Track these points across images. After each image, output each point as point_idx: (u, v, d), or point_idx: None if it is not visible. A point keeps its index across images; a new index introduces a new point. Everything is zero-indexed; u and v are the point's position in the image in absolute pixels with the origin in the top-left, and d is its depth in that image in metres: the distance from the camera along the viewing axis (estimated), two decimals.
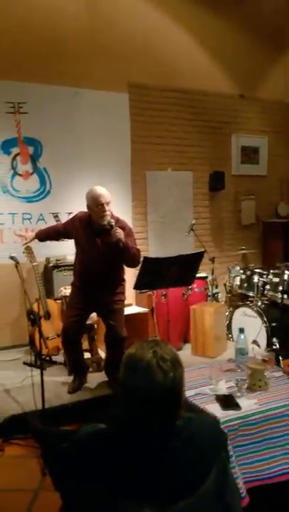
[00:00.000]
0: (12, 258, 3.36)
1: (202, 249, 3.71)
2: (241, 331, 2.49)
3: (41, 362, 3.12)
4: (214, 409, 2.07)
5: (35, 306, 4.22)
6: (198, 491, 1.31)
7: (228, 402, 2.14)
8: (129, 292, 3.93)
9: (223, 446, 1.43)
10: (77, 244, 3.63)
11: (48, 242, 5.06)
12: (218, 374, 2.29)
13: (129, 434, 1.33)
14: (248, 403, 2.15)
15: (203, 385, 2.31)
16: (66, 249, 5.17)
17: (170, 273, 3.33)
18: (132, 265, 3.50)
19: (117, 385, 1.37)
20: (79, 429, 1.46)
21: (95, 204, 3.31)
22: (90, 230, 3.46)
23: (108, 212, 3.31)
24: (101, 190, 3.35)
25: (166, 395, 1.29)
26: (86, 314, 3.72)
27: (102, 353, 4.40)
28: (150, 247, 5.74)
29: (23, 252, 4.34)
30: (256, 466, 2.04)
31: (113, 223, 3.28)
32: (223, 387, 2.26)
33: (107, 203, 3.31)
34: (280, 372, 2.58)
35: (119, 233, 3.24)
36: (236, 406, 2.11)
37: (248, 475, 2.01)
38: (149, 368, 1.29)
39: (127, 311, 4.07)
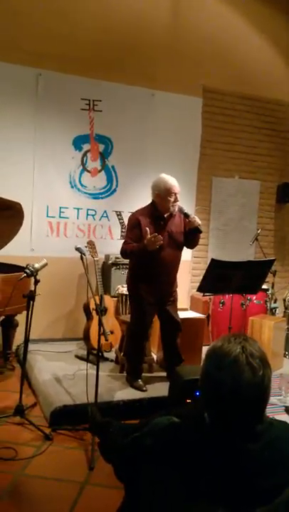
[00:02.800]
0: (78, 249, 3.36)
1: (273, 258, 3.59)
2: None
3: (98, 352, 3.09)
4: (283, 420, 1.96)
5: (92, 301, 4.23)
6: (275, 500, 1.22)
7: None
8: (184, 296, 3.86)
9: None
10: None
11: (107, 238, 5.16)
12: (287, 385, 2.17)
13: (208, 432, 1.26)
14: None
15: (271, 395, 2.20)
16: None
17: (236, 279, 3.23)
18: (194, 247, 3.69)
19: (200, 378, 1.30)
20: (150, 420, 1.40)
21: (168, 193, 3.35)
22: (158, 220, 3.47)
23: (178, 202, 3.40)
24: (173, 180, 3.40)
25: (253, 393, 1.20)
26: (154, 311, 3.70)
27: (154, 355, 4.35)
28: (209, 254, 5.63)
29: (86, 246, 4.37)
30: None
31: (186, 210, 3.41)
32: None
33: (178, 193, 3.40)
34: None
35: (197, 218, 3.40)
36: None
37: None
38: (236, 363, 1.21)
39: (182, 315, 3.98)
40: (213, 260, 3.18)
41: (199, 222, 3.45)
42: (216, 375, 1.23)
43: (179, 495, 1.20)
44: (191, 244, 3.64)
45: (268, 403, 1.26)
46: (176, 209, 3.42)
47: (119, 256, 4.98)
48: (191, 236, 3.53)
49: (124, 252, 3.58)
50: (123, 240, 3.64)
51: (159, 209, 3.46)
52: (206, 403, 1.27)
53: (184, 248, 3.69)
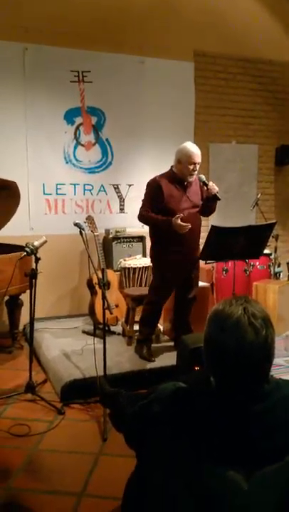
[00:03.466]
0: (76, 225, 3.32)
1: (274, 221, 3.55)
2: None
3: (104, 325, 3.09)
4: None
5: (94, 276, 4.22)
6: (284, 458, 1.22)
7: None
8: None
9: None
10: (168, 207, 3.50)
11: (106, 212, 5.12)
12: None
13: (215, 395, 1.25)
14: None
15: (276, 356, 2.20)
16: (125, 222, 5.16)
17: (238, 245, 3.20)
18: (209, 215, 3.77)
19: (203, 343, 1.28)
20: (157, 387, 1.40)
21: (189, 162, 3.40)
22: (179, 184, 3.51)
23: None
24: (196, 149, 3.45)
25: (257, 354, 1.19)
26: (178, 279, 3.71)
27: (160, 325, 4.36)
28: (210, 222, 5.58)
29: (85, 222, 4.33)
30: None
31: (204, 179, 3.49)
32: None
33: (199, 163, 3.45)
34: None
35: (215, 186, 3.48)
36: None
37: None
38: (239, 324, 1.20)
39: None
40: (213, 227, 3.14)
41: (217, 189, 3.51)
42: (219, 338, 1.22)
43: (189, 458, 1.20)
44: (208, 212, 3.70)
45: (272, 363, 1.25)
46: (194, 178, 3.49)
47: (120, 230, 5.03)
48: (209, 203, 3.59)
49: (143, 219, 3.59)
50: (142, 203, 3.61)
51: (178, 175, 3.49)
52: (211, 367, 1.26)
53: None
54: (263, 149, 5.82)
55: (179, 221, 3.28)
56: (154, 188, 3.52)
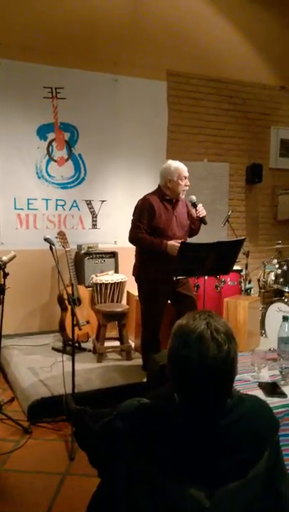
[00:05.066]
0: (46, 240, 3.29)
1: (243, 237, 3.60)
2: (285, 319, 2.37)
3: (72, 342, 3.05)
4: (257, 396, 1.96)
5: (64, 292, 4.18)
6: (247, 474, 1.22)
7: (272, 389, 2.03)
8: None
9: (275, 429, 1.33)
10: (157, 227, 3.50)
11: (78, 228, 5.10)
12: (260, 361, 2.18)
13: (178, 409, 1.24)
14: None
15: (243, 372, 2.21)
16: (97, 238, 5.15)
17: (208, 261, 3.22)
18: (194, 235, 3.80)
19: (167, 357, 1.28)
20: (122, 404, 1.38)
21: (180, 177, 3.45)
22: (169, 205, 3.53)
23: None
24: (183, 165, 3.52)
25: (219, 368, 1.19)
26: (168, 297, 3.67)
27: (131, 342, 4.34)
28: None
29: (56, 237, 4.31)
30: None
31: (195, 199, 3.57)
32: (265, 375, 2.15)
33: (187, 177, 3.51)
34: None
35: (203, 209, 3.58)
36: (281, 394, 2.00)
37: None
38: (202, 339, 1.19)
39: None
40: (183, 243, 3.16)
41: (205, 213, 3.60)
42: (182, 352, 1.21)
43: (151, 475, 1.18)
44: (193, 233, 3.76)
45: (235, 377, 1.25)
46: (183, 197, 3.55)
47: (92, 245, 5.01)
48: (195, 226, 3.67)
49: (136, 240, 3.53)
50: (132, 224, 3.57)
51: (168, 194, 3.51)
52: (174, 381, 1.25)
53: None
54: (234, 168, 5.92)
55: (176, 243, 3.30)
56: (146, 208, 3.49)
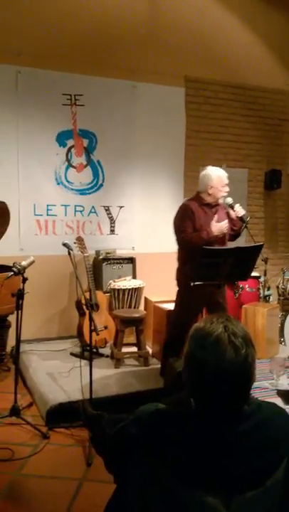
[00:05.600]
0: (65, 245, 3.32)
1: (261, 243, 3.56)
2: None
3: (90, 347, 3.05)
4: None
5: (83, 298, 4.19)
6: (266, 482, 1.19)
7: None
8: (170, 287, 3.76)
9: None
10: (197, 232, 3.49)
11: (96, 234, 5.12)
12: (279, 369, 2.15)
13: (194, 415, 1.23)
14: None
15: (262, 379, 2.18)
16: (115, 244, 5.17)
17: (226, 266, 3.19)
18: (236, 238, 3.81)
19: (183, 360, 1.27)
20: (138, 409, 1.37)
21: (221, 184, 3.50)
22: (208, 210, 3.54)
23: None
24: (223, 171, 3.58)
25: (236, 372, 1.17)
26: (204, 303, 3.63)
27: (149, 348, 4.32)
28: None
29: (74, 243, 4.33)
30: None
31: (232, 201, 3.58)
32: (284, 383, 2.12)
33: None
34: None
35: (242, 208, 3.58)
36: None
37: None
38: (219, 342, 1.18)
39: (172, 307, 3.92)
40: (203, 249, 3.13)
41: (244, 212, 3.62)
42: (199, 356, 1.20)
43: (166, 481, 1.17)
44: (235, 236, 3.76)
45: (253, 383, 1.23)
46: (225, 200, 3.58)
47: (110, 251, 5.02)
48: (237, 226, 3.68)
49: (184, 243, 3.50)
50: (176, 231, 3.56)
51: (207, 200, 3.55)
52: (190, 386, 1.24)
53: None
54: (252, 173, 5.89)
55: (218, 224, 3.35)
56: (187, 212, 3.51)
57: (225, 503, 1.16)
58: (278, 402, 1.97)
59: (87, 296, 3.17)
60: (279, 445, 1.23)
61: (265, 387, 2.11)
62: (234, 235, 3.75)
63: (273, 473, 1.20)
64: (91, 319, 2.98)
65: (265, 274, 5.09)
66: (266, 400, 1.99)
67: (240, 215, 3.58)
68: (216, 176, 3.52)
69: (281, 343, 4.68)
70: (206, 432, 1.19)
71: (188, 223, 3.48)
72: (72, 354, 4.37)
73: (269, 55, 5.85)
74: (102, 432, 1.63)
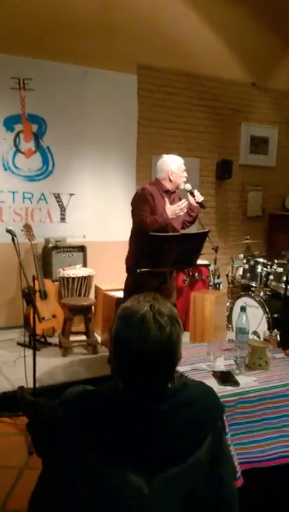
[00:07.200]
0: (9, 231, 3.23)
1: (207, 230, 3.60)
2: (243, 309, 2.38)
3: (34, 335, 3.00)
4: (210, 384, 1.95)
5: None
6: (188, 459, 1.20)
7: (225, 378, 2.02)
8: (121, 276, 3.73)
9: (219, 415, 1.31)
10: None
11: (46, 221, 5.03)
12: (216, 351, 2.18)
13: (119, 394, 1.22)
14: (246, 380, 2.04)
15: (199, 361, 2.20)
16: (66, 232, 5.09)
17: (172, 252, 3.20)
18: (192, 224, 3.81)
19: (111, 339, 1.25)
20: (65, 391, 1.35)
21: (181, 169, 3.50)
22: (167, 197, 3.49)
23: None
24: (180, 158, 3.58)
25: (160, 350, 1.17)
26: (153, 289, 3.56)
27: (98, 336, 4.31)
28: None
29: (22, 230, 4.24)
30: (252, 447, 1.93)
31: (191, 188, 3.57)
32: (221, 364, 2.15)
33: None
34: (282, 354, 2.46)
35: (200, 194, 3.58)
36: (234, 382, 2.00)
37: (243, 456, 1.90)
38: (144, 320, 1.18)
39: (121, 295, 3.90)
40: (151, 235, 3.10)
41: (202, 197, 3.62)
42: (124, 334, 1.19)
43: (91, 461, 1.16)
44: (191, 221, 3.74)
45: (178, 361, 1.24)
46: (185, 186, 3.57)
47: (60, 239, 4.94)
48: (194, 212, 3.66)
49: (140, 224, 3.38)
50: (134, 215, 3.45)
51: (168, 186, 3.51)
52: (117, 365, 1.23)
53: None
54: (204, 163, 5.94)
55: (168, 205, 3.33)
56: (146, 196, 3.42)
57: (147, 481, 1.16)
58: (213, 382, 2.00)
59: (35, 283, 3.10)
60: (202, 424, 1.24)
61: (201, 369, 2.14)
62: (190, 221, 3.74)
63: (195, 452, 1.21)
64: (34, 306, 2.93)
65: (215, 263, 5.17)
66: (202, 380, 2.02)
67: (199, 201, 3.58)
68: (176, 163, 3.53)
69: (229, 329, 4.77)
70: (130, 411, 1.19)
71: (146, 207, 3.39)
72: (19, 344, 4.28)
73: (223, 45, 5.88)
74: (35, 416, 1.60)
